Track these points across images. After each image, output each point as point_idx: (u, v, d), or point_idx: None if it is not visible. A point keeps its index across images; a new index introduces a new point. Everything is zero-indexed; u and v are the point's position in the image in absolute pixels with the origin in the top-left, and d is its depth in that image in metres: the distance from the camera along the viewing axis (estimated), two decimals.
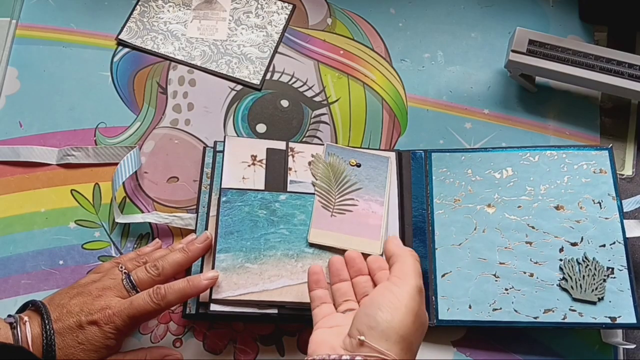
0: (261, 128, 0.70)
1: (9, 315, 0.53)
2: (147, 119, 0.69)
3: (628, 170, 0.69)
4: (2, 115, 0.69)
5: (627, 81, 0.67)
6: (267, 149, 0.65)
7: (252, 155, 0.64)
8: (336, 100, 0.71)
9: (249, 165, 0.64)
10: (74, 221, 0.65)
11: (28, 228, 0.64)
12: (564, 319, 0.59)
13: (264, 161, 0.64)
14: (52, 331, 0.51)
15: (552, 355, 0.62)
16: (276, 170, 0.64)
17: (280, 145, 0.66)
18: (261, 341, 0.61)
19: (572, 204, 0.63)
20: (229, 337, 0.61)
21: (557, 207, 0.63)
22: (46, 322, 0.51)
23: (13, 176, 0.66)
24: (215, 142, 0.66)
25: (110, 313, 0.52)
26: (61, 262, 0.63)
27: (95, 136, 0.68)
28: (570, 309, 0.59)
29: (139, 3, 0.75)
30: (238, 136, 0.69)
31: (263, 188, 0.63)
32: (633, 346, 0.61)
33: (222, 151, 0.64)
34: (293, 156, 0.65)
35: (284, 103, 0.71)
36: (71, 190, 0.66)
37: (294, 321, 0.61)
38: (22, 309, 0.55)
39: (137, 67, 0.72)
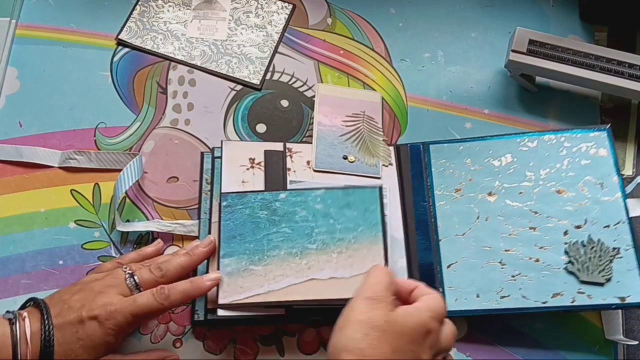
0: (261, 128, 0.70)
1: (8, 312, 0.53)
2: (147, 119, 0.69)
3: (628, 170, 0.69)
4: (2, 115, 0.69)
5: (627, 81, 0.67)
6: (265, 151, 0.65)
7: (250, 159, 0.64)
8: None
9: (247, 169, 0.64)
10: (74, 221, 0.65)
11: (28, 228, 0.64)
12: (572, 302, 0.58)
13: (263, 163, 0.64)
14: (51, 327, 0.51)
15: (553, 355, 0.61)
16: (275, 172, 0.64)
17: (277, 146, 0.65)
18: (261, 341, 0.61)
19: (573, 186, 0.63)
20: (229, 338, 0.61)
21: (558, 191, 0.63)
22: (45, 317, 0.51)
23: (13, 176, 0.66)
24: (212, 148, 0.66)
25: (112, 309, 0.52)
26: (61, 262, 0.63)
27: (95, 136, 0.68)
28: (578, 292, 0.59)
29: (139, 3, 0.75)
30: (238, 136, 0.69)
31: (263, 190, 0.63)
32: (636, 342, 0.61)
33: (220, 157, 0.64)
34: (291, 156, 0.65)
35: (284, 103, 0.71)
36: (71, 190, 0.66)
37: (302, 321, 0.61)
38: (22, 307, 0.55)
39: (137, 67, 0.72)
